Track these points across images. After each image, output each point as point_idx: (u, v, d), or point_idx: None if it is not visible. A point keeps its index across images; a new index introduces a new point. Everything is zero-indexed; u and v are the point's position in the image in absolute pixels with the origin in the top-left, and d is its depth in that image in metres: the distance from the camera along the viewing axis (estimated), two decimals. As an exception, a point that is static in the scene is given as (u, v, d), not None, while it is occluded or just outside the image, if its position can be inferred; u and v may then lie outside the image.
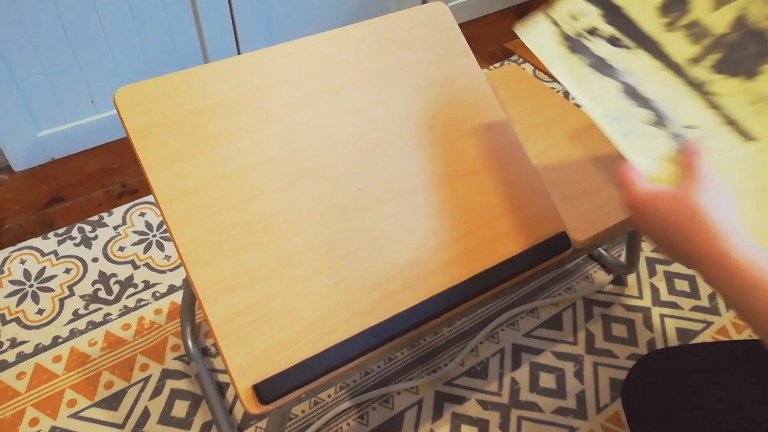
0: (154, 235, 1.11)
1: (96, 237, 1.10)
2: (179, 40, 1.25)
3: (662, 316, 1.03)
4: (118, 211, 1.15)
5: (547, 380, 0.93)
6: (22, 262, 1.06)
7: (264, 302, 0.58)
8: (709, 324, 1.02)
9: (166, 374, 0.92)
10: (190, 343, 0.93)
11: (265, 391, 0.55)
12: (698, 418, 0.65)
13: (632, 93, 0.57)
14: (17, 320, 0.97)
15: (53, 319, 0.97)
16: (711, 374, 0.69)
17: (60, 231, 1.11)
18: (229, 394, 0.90)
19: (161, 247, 1.09)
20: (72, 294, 1.01)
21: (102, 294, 1.01)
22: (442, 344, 0.97)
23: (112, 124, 1.26)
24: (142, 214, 1.15)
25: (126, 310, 0.99)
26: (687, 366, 0.71)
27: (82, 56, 1.15)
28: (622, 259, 1.11)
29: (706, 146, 0.55)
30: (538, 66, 1.59)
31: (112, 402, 0.88)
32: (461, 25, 0.88)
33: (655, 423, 0.69)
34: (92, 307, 1.00)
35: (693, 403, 0.66)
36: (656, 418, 0.69)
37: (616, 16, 0.60)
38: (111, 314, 0.99)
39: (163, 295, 1.02)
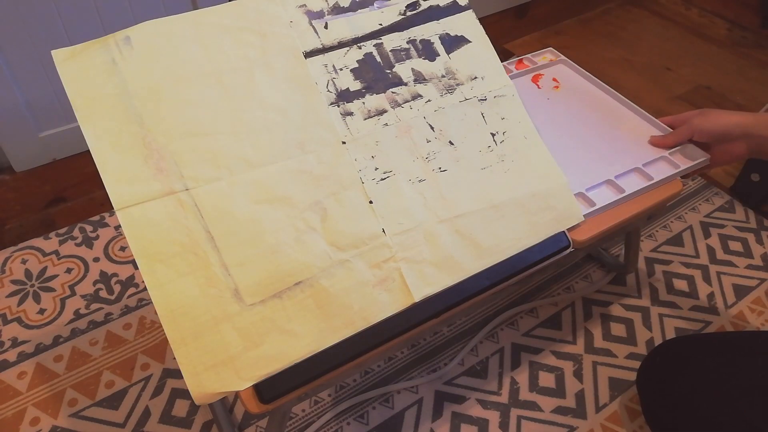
0: (155, 235, 1.11)
1: (97, 237, 1.11)
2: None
3: (661, 315, 1.03)
4: (119, 211, 1.15)
5: (546, 379, 0.93)
6: (24, 262, 1.06)
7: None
8: (707, 323, 1.02)
9: (167, 373, 0.92)
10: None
11: (266, 390, 0.55)
12: (710, 402, 0.67)
13: None
14: (18, 320, 0.97)
15: (54, 319, 0.98)
16: (723, 361, 0.71)
17: (61, 231, 1.11)
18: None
19: (162, 247, 1.09)
20: (73, 294, 1.02)
21: (103, 294, 1.02)
22: (441, 344, 0.97)
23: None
24: (143, 214, 1.15)
25: (127, 310, 1.00)
26: (701, 353, 0.74)
27: (83, 57, 1.15)
28: (621, 258, 1.11)
29: None
30: (537, 66, 1.58)
31: (113, 401, 0.88)
32: (461, 26, 0.89)
33: (668, 405, 0.71)
34: (93, 306, 1.00)
35: (705, 387, 0.68)
36: (669, 400, 0.71)
37: None
38: (112, 314, 0.99)
39: (163, 295, 1.02)
